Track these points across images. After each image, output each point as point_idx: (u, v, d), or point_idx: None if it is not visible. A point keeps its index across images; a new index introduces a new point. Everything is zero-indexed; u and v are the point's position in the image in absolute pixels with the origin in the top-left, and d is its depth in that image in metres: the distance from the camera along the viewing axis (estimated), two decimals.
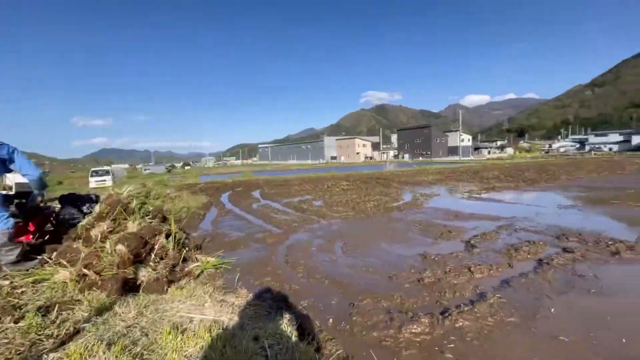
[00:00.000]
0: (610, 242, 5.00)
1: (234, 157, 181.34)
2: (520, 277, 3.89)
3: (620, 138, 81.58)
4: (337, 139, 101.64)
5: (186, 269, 4.19)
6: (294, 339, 2.64)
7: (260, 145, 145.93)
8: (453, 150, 75.89)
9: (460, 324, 2.90)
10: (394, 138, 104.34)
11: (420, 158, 73.50)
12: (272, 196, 12.74)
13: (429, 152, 78.30)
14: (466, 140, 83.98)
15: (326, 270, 4.45)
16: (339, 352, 2.56)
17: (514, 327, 2.85)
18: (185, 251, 4.63)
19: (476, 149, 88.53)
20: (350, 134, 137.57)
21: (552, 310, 3.10)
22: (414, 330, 2.81)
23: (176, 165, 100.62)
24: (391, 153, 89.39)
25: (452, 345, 2.62)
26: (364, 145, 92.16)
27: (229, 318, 3.04)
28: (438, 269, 4.22)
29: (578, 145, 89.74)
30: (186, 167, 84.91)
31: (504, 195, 10.92)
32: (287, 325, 2.89)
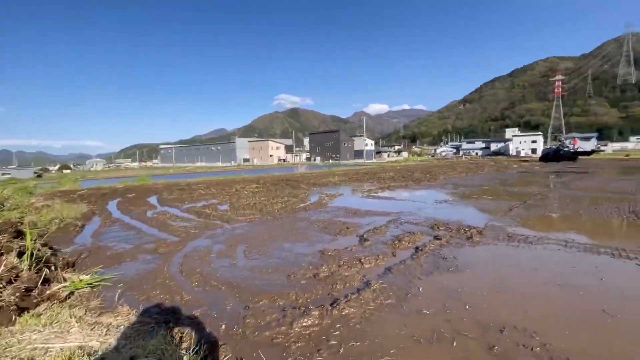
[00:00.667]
0: (467, 229, 6.17)
1: (130, 159, 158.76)
2: (400, 263, 4.48)
3: (483, 145, 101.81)
4: (249, 141, 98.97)
5: (48, 292, 3.50)
6: (179, 352, 2.48)
7: (162, 146, 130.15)
8: (358, 154, 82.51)
9: (347, 311, 3.17)
10: (307, 141, 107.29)
11: (330, 161, 77.61)
12: (171, 202, 11.65)
13: (338, 155, 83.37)
14: (370, 144, 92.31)
15: (224, 276, 4.30)
16: (227, 357, 2.51)
17: (391, 308, 3.26)
18: (48, 271, 3.88)
19: (378, 152, 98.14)
20: (263, 136, 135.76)
21: (421, 289, 3.66)
22: (304, 324, 2.95)
23: (51, 168, 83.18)
24: (304, 155, 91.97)
25: (338, 332, 2.84)
26: (277, 148, 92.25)
27: (101, 342, 2.66)
28: (333, 263, 4.52)
29: (455, 150, 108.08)
30: (65, 171, 70.92)
31: (395, 193, 12.37)
32: (172, 339, 2.69)
